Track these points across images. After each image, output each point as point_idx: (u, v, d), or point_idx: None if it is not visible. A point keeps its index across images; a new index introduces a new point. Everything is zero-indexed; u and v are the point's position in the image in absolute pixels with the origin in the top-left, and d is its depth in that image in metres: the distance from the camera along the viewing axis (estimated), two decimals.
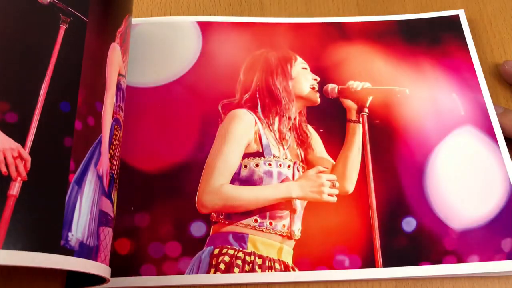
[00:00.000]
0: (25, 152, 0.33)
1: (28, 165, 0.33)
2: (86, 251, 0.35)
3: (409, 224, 0.45)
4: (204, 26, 0.54)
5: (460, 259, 0.43)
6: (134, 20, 0.54)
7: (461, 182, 0.47)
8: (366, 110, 0.50)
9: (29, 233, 0.32)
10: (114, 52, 0.44)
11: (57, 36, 0.38)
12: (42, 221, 0.33)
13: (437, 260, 0.43)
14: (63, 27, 0.39)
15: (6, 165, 0.32)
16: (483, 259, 0.43)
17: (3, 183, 0.32)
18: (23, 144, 0.34)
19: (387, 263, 0.43)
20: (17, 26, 0.37)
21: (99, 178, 0.38)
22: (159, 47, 0.53)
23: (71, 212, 0.35)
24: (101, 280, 0.38)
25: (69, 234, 0.34)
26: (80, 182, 0.36)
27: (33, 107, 0.35)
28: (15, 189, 0.32)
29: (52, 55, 0.37)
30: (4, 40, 0.36)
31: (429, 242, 0.44)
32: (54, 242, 0.33)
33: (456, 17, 0.56)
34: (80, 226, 0.35)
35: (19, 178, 0.33)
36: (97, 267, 0.36)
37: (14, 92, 0.35)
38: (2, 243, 0.30)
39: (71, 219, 0.35)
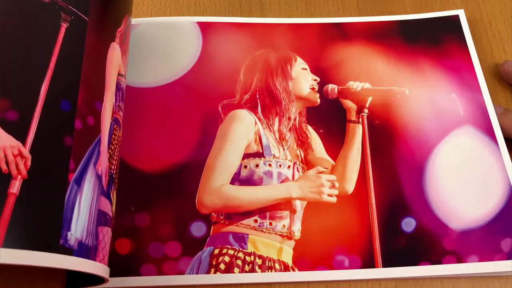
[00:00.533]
0: (26, 150, 0.33)
1: (29, 163, 0.33)
2: (85, 250, 0.35)
3: (408, 224, 0.45)
4: (204, 27, 0.55)
5: (460, 259, 0.43)
6: (134, 20, 0.54)
7: (461, 182, 0.47)
8: (366, 110, 0.50)
9: (29, 231, 0.32)
10: (114, 51, 0.44)
11: (58, 34, 0.38)
12: (42, 220, 0.33)
13: (436, 260, 0.43)
14: (64, 26, 0.39)
15: (7, 163, 0.32)
16: (482, 259, 0.43)
17: (3, 181, 0.32)
18: (23, 142, 0.33)
19: (386, 263, 0.43)
20: (18, 24, 0.37)
21: (98, 177, 0.38)
22: (159, 48, 0.53)
23: (70, 211, 0.35)
24: (100, 280, 0.38)
25: (68, 233, 0.34)
26: (79, 181, 0.36)
27: (33, 105, 0.35)
28: (15, 187, 0.32)
29: (53, 54, 0.37)
30: (5, 37, 0.36)
31: (429, 242, 0.44)
32: (53, 241, 0.33)
33: (456, 17, 0.56)
34: (79, 225, 0.35)
35: (19, 177, 0.32)
36: (96, 267, 0.36)
37: (15, 90, 0.35)
38: (2, 242, 0.30)
39: (70, 218, 0.35)
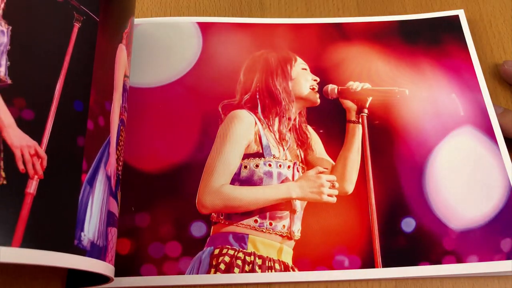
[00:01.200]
0: (41, 150, 0.33)
1: (45, 163, 0.33)
2: (97, 251, 0.36)
3: (408, 224, 0.45)
4: (204, 27, 0.55)
5: (460, 259, 0.43)
6: (134, 21, 0.54)
7: (461, 182, 0.47)
8: (366, 110, 0.50)
9: (46, 232, 0.32)
10: (122, 53, 0.44)
11: (71, 34, 0.38)
12: (57, 220, 0.33)
13: (436, 260, 0.43)
14: (77, 26, 0.38)
15: (23, 163, 0.32)
16: (482, 259, 0.43)
17: (20, 180, 0.32)
18: (39, 142, 0.33)
19: (386, 263, 0.43)
20: (33, 22, 0.36)
21: (108, 178, 0.39)
22: (159, 48, 0.53)
23: (83, 212, 0.35)
24: (104, 279, 0.38)
25: (82, 234, 0.34)
26: (91, 182, 0.37)
27: (48, 105, 0.35)
28: (32, 187, 0.32)
29: (66, 53, 0.37)
30: (21, 35, 0.35)
31: (429, 242, 0.44)
32: (68, 242, 0.33)
33: (456, 17, 0.56)
34: (91, 226, 0.35)
35: (36, 176, 0.32)
36: (106, 268, 0.36)
37: (30, 89, 0.34)
38: (20, 242, 0.30)
39: (84, 219, 0.35)
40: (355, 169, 0.47)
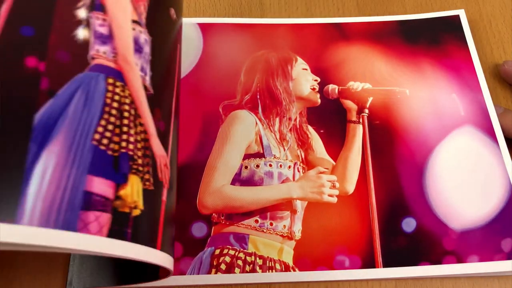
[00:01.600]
0: (168, 162, 0.35)
1: (169, 174, 0.34)
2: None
3: (409, 224, 0.45)
4: (205, 28, 0.55)
5: (460, 259, 0.43)
6: None
7: (461, 182, 0.47)
8: (366, 110, 0.50)
9: (168, 237, 0.33)
10: None
11: (177, 53, 0.39)
12: (170, 228, 0.35)
13: (437, 260, 0.43)
14: (178, 46, 0.40)
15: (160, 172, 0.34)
16: (483, 259, 0.43)
17: (160, 188, 0.33)
18: (166, 154, 0.35)
19: (387, 263, 0.43)
20: (162, 37, 0.37)
21: None
22: None
23: None
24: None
25: None
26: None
27: (170, 119, 0.36)
28: (164, 195, 0.34)
29: (176, 71, 0.38)
30: (157, 47, 0.36)
31: (429, 242, 0.44)
32: (172, 248, 0.35)
33: (456, 17, 0.56)
34: None
35: (166, 186, 0.34)
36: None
37: (163, 101, 0.35)
38: (161, 245, 0.32)
39: None
40: (355, 169, 0.47)
